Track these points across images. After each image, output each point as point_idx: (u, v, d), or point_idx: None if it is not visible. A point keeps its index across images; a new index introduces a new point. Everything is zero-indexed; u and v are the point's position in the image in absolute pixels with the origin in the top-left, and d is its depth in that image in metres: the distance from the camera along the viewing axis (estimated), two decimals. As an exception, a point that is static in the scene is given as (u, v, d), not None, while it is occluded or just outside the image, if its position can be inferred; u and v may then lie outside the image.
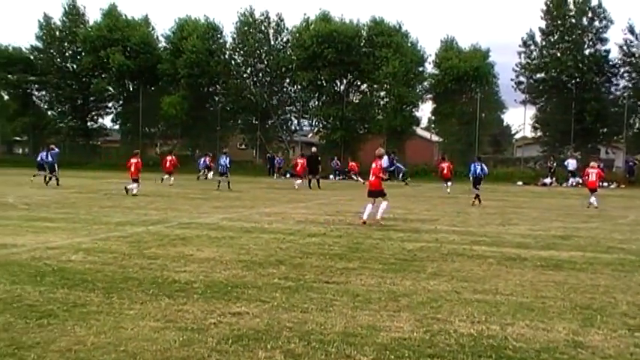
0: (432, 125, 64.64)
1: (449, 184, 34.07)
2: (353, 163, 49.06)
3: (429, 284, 8.68)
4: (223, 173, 33.32)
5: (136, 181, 26.48)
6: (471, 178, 26.62)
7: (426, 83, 57.77)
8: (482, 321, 6.82)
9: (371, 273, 9.42)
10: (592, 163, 26.73)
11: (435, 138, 65.84)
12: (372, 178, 17.60)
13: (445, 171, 34.56)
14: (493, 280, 9.06)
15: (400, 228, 15.79)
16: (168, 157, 38.72)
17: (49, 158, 33.26)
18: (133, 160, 27.33)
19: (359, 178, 43.93)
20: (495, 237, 14.28)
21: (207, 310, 6.98)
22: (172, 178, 35.68)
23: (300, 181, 34.80)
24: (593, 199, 24.19)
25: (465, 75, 52.85)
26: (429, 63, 57.82)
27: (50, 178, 31.99)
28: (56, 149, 34.65)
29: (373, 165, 17.81)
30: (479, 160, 27.86)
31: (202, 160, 44.50)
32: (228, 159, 33.90)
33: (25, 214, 17.04)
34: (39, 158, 33.85)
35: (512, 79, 57.74)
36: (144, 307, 7.05)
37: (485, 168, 27.76)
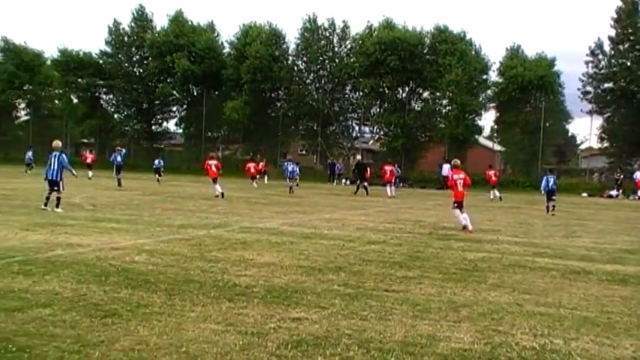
0: (495, 134, 63.82)
1: (496, 191, 35.23)
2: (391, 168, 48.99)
3: (490, 295, 8.55)
4: (292, 179, 35.06)
5: (215, 181, 27.57)
6: (544, 192, 26.42)
7: (489, 91, 57.06)
8: (545, 334, 6.68)
9: (431, 282, 9.33)
10: None
11: (497, 147, 64.96)
12: (460, 188, 17.81)
13: (493, 178, 35.81)
14: (556, 293, 8.87)
15: (461, 237, 15.60)
16: (250, 164, 41.22)
17: (118, 159, 34.91)
18: (212, 162, 28.50)
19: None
20: (559, 249, 14.00)
21: (267, 315, 7.01)
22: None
23: (390, 188, 34.29)
24: None
25: (530, 84, 52.00)
26: (493, 71, 57.16)
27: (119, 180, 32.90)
28: (123, 150, 35.97)
29: (461, 175, 17.98)
30: (550, 172, 27.92)
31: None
32: (297, 166, 36.11)
33: (91, 215, 17.42)
34: (119, 159, 34.96)
35: (578, 89, 56.71)
36: (205, 310, 7.12)
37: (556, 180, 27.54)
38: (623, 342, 6.51)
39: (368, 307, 7.59)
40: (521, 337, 6.53)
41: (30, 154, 44.69)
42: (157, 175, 40.64)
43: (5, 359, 5.25)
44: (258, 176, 41.72)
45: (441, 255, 12.24)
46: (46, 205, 17.96)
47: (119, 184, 31.95)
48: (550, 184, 26.10)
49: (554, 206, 25.44)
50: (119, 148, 36.89)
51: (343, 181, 51.69)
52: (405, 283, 9.22)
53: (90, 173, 38.25)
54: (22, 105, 70.99)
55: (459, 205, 17.71)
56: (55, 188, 18.34)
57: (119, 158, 35.07)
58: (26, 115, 71.81)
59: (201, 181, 39.56)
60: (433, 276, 9.87)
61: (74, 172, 19.54)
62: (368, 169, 39.16)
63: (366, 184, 35.76)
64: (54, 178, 18.34)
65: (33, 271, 8.90)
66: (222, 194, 26.71)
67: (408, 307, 7.67)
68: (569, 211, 28.56)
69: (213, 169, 28.27)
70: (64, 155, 18.85)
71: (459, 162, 19.00)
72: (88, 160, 42.32)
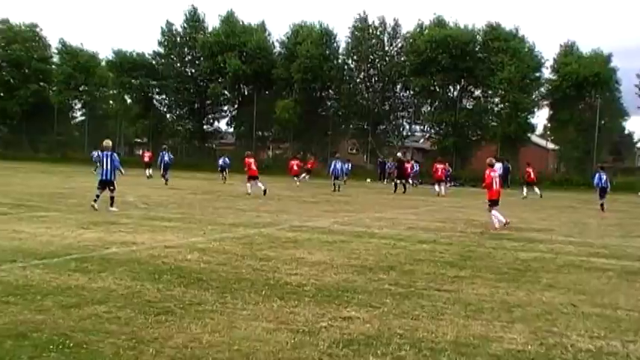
0: (548, 132, 62.79)
1: (536, 189, 35.55)
2: (407, 166, 48.90)
3: (544, 296, 8.42)
4: (337, 177, 35.27)
5: (255, 178, 28.22)
6: (597, 188, 26.43)
7: (542, 89, 56.17)
8: (602, 336, 6.55)
9: (483, 282, 9.24)
10: None
11: (550, 145, 63.92)
12: (495, 187, 18.03)
13: (532, 175, 36.25)
14: (613, 294, 8.70)
15: (514, 237, 15.40)
16: (294, 162, 41.67)
17: (166, 158, 35.85)
18: (251, 160, 29.13)
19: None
20: (615, 249, 13.72)
21: (318, 314, 7.02)
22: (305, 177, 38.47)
23: (440, 187, 34.13)
24: None
25: (585, 81, 51.02)
26: (547, 68, 56.17)
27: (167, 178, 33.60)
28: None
29: (495, 174, 18.25)
30: (602, 169, 27.70)
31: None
32: (347, 164, 35.46)
33: (145, 214, 17.68)
34: (166, 159, 35.54)
35: (635, 85, 55.46)
36: (256, 308, 7.17)
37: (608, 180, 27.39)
38: (684, 345, 6.34)
39: (419, 306, 7.55)
40: (577, 339, 6.42)
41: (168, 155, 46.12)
42: (222, 174, 41.05)
43: (63, 355, 5.36)
44: (304, 175, 41.86)
45: (493, 254, 12.11)
46: (95, 201, 18.08)
47: (166, 183, 32.78)
48: (603, 181, 26.08)
49: (602, 204, 25.58)
50: (165, 147, 37.72)
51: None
52: (456, 282, 9.14)
53: (148, 172, 38.91)
54: (78, 105, 72.38)
55: (494, 203, 17.87)
56: (111, 188, 18.55)
57: (166, 158, 35.81)
58: (82, 115, 73.16)
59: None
60: (485, 276, 9.77)
61: (123, 171, 19.73)
62: (407, 166, 39.35)
63: (404, 181, 35.79)
64: (108, 178, 18.53)
65: (89, 268, 9.08)
66: (264, 191, 27.27)
67: (460, 306, 7.60)
68: (626, 210, 27.98)
69: (253, 167, 28.99)
70: (115, 154, 19.07)
71: (494, 161, 19.25)
72: (146, 159, 42.90)
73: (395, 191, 34.78)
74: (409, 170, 36.40)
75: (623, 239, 15.95)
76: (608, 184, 26.99)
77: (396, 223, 17.72)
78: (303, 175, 41.27)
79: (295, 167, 40.84)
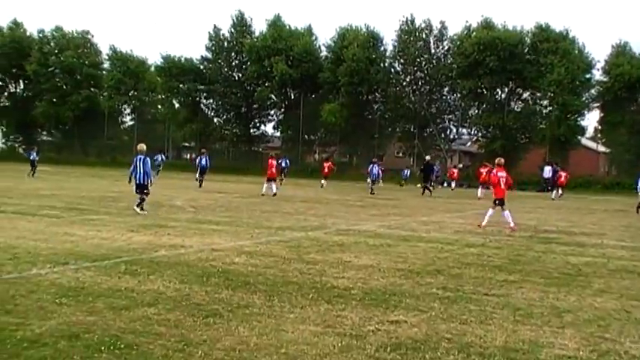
0: (599, 135, 61.77)
1: (559, 191, 38.09)
2: (454, 170, 49.43)
3: (595, 301, 8.27)
4: (374, 181, 36.03)
5: (273, 180, 29.09)
6: (638, 191, 26.68)
7: (593, 91, 55.30)
8: (656, 343, 6.41)
9: (532, 286, 9.11)
10: None
11: (601, 148, 62.84)
12: (503, 186, 18.04)
13: (562, 179, 38.56)
14: (667, 300, 8.50)
15: (564, 241, 15.17)
16: (326, 164, 40.56)
17: (203, 162, 35.77)
18: (274, 162, 30.03)
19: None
20: (669, 254, 13.42)
21: (366, 317, 7.00)
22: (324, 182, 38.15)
23: (481, 190, 33.96)
24: None
25: (637, 82, 50.14)
26: (597, 69, 55.30)
27: (201, 181, 34.19)
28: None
29: (502, 174, 18.20)
30: None
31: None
32: (377, 168, 37.10)
33: (192, 217, 17.84)
34: (203, 162, 35.77)
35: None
36: (304, 311, 7.18)
37: None
38: None
39: (467, 310, 7.48)
40: (631, 346, 6.28)
41: (161, 156, 46.69)
42: (281, 176, 41.25)
43: (114, 356, 5.44)
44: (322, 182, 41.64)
45: (542, 259, 11.94)
46: (141, 208, 18.10)
47: (200, 185, 33.22)
48: None
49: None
50: (204, 151, 38.10)
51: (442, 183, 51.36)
52: (505, 287, 9.04)
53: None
54: (128, 110, 73.67)
55: (501, 202, 17.84)
56: (145, 191, 18.49)
57: (204, 161, 35.77)
58: (131, 120, 74.41)
59: (299, 184, 40.06)
60: (535, 280, 9.64)
61: (153, 178, 19.56)
62: (434, 169, 40.77)
63: (427, 184, 36.20)
64: (142, 182, 18.47)
65: (138, 271, 9.19)
66: (274, 194, 28.09)
67: (508, 311, 7.51)
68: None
69: (274, 169, 29.66)
70: (147, 159, 18.95)
71: (502, 161, 19.11)
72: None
73: (423, 193, 35.22)
74: (484, 175, 36.46)
75: (677, 244, 15.60)
76: None
77: (443, 227, 17.61)
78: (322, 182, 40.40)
79: (327, 170, 40.43)
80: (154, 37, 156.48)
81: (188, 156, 78.27)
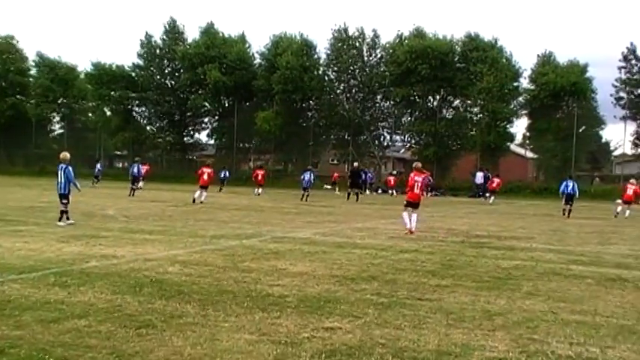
0: (527, 141, 63.37)
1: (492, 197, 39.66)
2: (390, 178, 50.81)
3: (524, 303, 8.48)
4: (306, 188, 36.44)
5: (204, 188, 29.18)
6: (562, 195, 28.27)
7: (521, 98, 56.81)
8: (581, 343, 6.61)
9: (464, 291, 9.28)
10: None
11: (529, 154, 64.45)
12: (416, 190, 18.18)
13: (494, 184, 40.23)
14: (592, 301, 8.78)
15: (494, 245, 15.50)
16: (260, 171, 41.16)
17: (135, 170, 35.74)
18: (207, 170, 30.00)
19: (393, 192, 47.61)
20: (594, 256, 13.85)
21: (301, 325, 7.02)
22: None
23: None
24: None
25: (562, 90, 51.69)
26: (525, 78, 56.89)
27: (134, 190, 34.00)
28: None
29: (418, 178, 18.30)
30: (570, 178, 29.86)
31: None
32: (311, 175, 37.66)
33: (125, 226, 17.57)
34: (135, 171, 35.40)
35: (611, 95, 56.21)
36: (238, 320, 7.15)
37: (576, 187, 28.87)
38: (662, 350, 6.42)
39: (401, 315, 7.57)
40: (557, 346, 6.47)
41: (99, 165, 45.77)
42: (221, 185, 41.39)
43: (43, 369, 5.33)
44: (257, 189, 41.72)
45: (474, 263, 12.17)
46: (66, 218, 17.58)
47: (130, 194, 33.07)
48: (569, 189, 27.83)
49: (570, 210, 27.34)
50: (137, 159, 37.92)
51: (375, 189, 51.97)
52: (438, 291, 9.18)
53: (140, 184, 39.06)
54: (57, 118, 72.10)
55: (412, 205, 17.98)
56: (64, 202, 17.79)
57: (135, 170, 35.71)
58: (60, 128, 72.89)
59: (236, 192, 39.89)
60: (467, 284, 9.82)
61: (79, 186, 19.04)
62: (365, 175, 42.02)
63: (356, 190, 37.10)
64: (63, 192, 17.86)
65: (68, 282, 9.01)
66: (195, 201, 28.43)
67: (441, 315, 7.64)
68: (604, 217, 28.23)
69: (205, 177, 29.57)
70: (70, 168, 18.17)
71: (420, 165, 19.48)
72: (143, 172, 42.86)
73: (348, 198, 36.26)
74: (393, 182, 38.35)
75: (601, 246, 16.11)
76: (576, 190, 28.45)
77: (378, 233, 17.77)
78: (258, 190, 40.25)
79: (260, 177, 40.65)
80: (84, 44, 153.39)
81: (121, 165, 77.09)
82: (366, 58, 60.55)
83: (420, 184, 18.27)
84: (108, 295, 8.26)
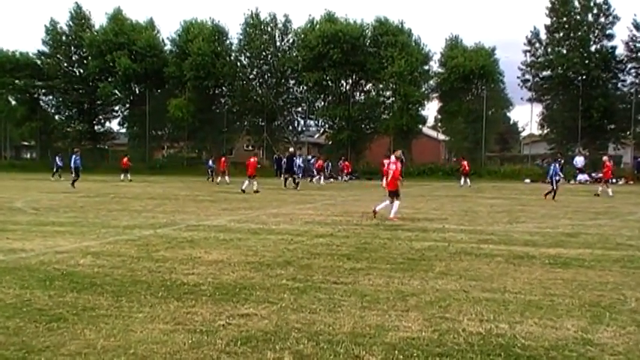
0: (439, 124, 64.66)
1: (467, 180, 39.35)
2: (346, 163, 50.10)
3: (437, 283, 8.65)
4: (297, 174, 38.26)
5: (253, 177, 31.11)
6: (554, 179, 28.08)
7: (431, 82, 57.96)
8: (491, 319, 6.80)
9: (379, 273, 9.40)
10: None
11: (441, 137, 65.82)
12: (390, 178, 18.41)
13: (467, 168, 40.08)
14: (501, 279, 9.03)
15: (408, 227, 15.75)
16: (222, 159, 42.33)
17: (78, 162, 35.55)
18: (252, 160, 32.13)
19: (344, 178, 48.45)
20: (503, 235, 14.24)
21: (216, 312, 6.98)
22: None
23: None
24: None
25: (471, 73, 52.91)
26: (435, 62, 58.00)
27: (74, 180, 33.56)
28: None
29: (394, 167, 18.42)
30: (556, 161, 31.32)
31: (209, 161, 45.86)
32: (301, 160, 39.77)
33: (34, 219, 17.06)
34: (79, 163, 35.03)
35: (518, 77, 57.90)
36: (153, 310, 7.06)
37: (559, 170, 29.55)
38: (566, 323, 6.66)
39: (317, 300, 7.62)
40: (468, 323, 6.63)
41: (57, 159, 44.15)
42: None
43: (-54, 370, 5.13)
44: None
45: (388, 245, 12.33)
46: None
47: (72, 185, 32.51)
48: (557, 171, 28.42)
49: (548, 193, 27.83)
50: (77, 150, 37.39)
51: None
52: (353, 274, 9.27)
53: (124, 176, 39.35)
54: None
55: (392, 193, 18.37)
56: None
57: (78, 161, 35.57)
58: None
59: (148, 181, 39.27)
60: (381, 267, 9.95)
61: (52, 178, 18.71)
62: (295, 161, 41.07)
63: (287, 176, 36.93)
64: None
65: (-27, 278, 8.70)
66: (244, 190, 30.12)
67: (356, 298, 7.72)
68: (512, 197, 29.09)
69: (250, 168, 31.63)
70: None
71: (399, 153, 19.47)
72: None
73: (285, 185, 35.65)
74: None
75: (510, 225, 16.58)
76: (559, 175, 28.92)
77: (294, 219, 17.79)
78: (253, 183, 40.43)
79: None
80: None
81: (29, 155, 74.72)
82: (278, 44, 60.46)
83: (395, 172, 18.40)
84: (16, 289, 8.02)
